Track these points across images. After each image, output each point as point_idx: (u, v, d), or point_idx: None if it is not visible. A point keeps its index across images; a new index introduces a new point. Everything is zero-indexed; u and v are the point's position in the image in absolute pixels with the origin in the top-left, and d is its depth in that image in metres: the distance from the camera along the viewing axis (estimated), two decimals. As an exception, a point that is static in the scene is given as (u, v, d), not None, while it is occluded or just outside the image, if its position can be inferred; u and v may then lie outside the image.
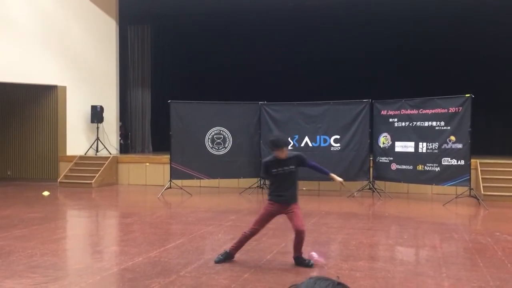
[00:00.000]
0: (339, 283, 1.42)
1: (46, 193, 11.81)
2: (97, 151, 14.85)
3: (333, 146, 11.68)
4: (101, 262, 5.77)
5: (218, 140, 12.07)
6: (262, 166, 5.70)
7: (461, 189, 10.36)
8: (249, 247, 6.30)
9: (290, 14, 15.42)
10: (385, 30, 15.33)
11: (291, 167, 5.37)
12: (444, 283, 4.90)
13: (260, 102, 12.23)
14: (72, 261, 6.08)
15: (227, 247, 5.75)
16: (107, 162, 13.80)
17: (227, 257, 5.58)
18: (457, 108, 10.33)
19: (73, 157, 14.36)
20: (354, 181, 11.57)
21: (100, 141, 14.95)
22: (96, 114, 14.80)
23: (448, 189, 10.88)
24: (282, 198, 5.43)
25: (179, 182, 11.85)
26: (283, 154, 5.35)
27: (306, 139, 11.83)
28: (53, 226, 8.00)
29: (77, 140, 14.83)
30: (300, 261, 5.47)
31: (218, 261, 5.52)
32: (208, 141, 12.02)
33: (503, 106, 15.10)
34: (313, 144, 11.81)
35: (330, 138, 11.70)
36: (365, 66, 15.87)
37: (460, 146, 10.26)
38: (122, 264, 5.53)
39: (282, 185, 5.41)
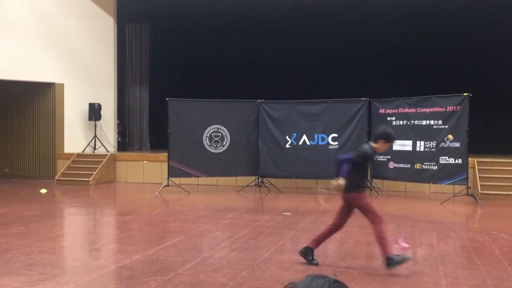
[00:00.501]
0: (335, 281, 1.42)
1: (43, 190, 11.79)
2: (94, 148, 14.82)
3: (331, 145, 11.68)
4: (98, 260, 5.77)
5: (216, 138, 12.07)
6: (361, 156, 5.27)
7: (459, 188, 10.38)
8: (247, 245, 6.31)
9: (289, 12, 15.39)
10: (384, 28, 15.31)
11: None
12: (442, 282, 4.91)
13: (258, 100, 12.22)
14: (69, 258, 6.07)
15: (393, 252, 5.24)
16: (104, 160, 13.78)
17: (398, 260, 5.16)
18: (455, 107, 10.34)
19: (71, 154, 14.34)
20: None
21: (98, 139, 14.93)
22: (94, 112, 14.77)
23: (445, 188, 10.90)
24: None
25: (177, 180, 11.84)
26: (386, 148, 5.52)
27: (304, 137, 11.82)
28: (51, 223, 7.99)
29: (74, 137, 14.81)
30: (308, 255, 5.42)
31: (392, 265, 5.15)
32: (206, 139, 12.01)
33: (501, 105, 15.10)
34: (311, 142, 11.82)
35: (328, 136, 11.70)
36: (364, 65, 15.86)
37: (457, 145, 10.27)
38: (119, 262, 5.53)
39: (366, 176, 5.69)
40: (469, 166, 10.55)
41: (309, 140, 11.81)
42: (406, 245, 5.44)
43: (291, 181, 12.29)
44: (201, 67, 17.34)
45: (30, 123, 15.01)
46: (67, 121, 14.79)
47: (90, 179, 13.22)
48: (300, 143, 11.85)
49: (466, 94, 10.16)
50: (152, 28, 17.21)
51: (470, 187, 10.36)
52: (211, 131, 12.03)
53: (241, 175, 12.35)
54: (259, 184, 12.13)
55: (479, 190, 10.71)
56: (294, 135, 11.91)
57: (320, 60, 16.11)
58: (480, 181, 10.99)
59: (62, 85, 14.69)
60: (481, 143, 12.64)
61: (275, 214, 8.71)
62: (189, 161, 11.86)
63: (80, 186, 12.95)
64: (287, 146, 11.94)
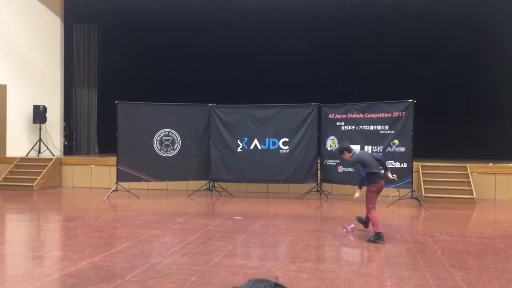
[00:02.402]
0: (276, 284, 1.43)
1: (-17, 196, 11.25)
2: (39, 152, 14.30)
3: (282, 149, 11.79)
4: (41, 267, 5.56)
5: (167, 142, 11.92)
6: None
7: (404, 191, 10.72)
8: (197, 250, 6.26)
9: (240, 14, 15.46)
10: (333, 33, 15.64)
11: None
12: (387, 283, 5.05)
13: (209, 104, 12.18)
14: (10, 267, 5.82)
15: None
16: (50, 164, 13.32)
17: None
18: (400, 113, 10.70)
19: (14, 158, 13.78)
20: (302, 184, 11.74)
21: (43, 142, 14.41)
22: (39, 114, 14.25)
23: (391, 191, 11.21)
24: None
25: (126, 184, 11.60)
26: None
27: (256, 141, 11.88)
28: (-9, 230, 7.63)
29: (18, 140, 14.23)
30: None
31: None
32: (156, 143, 11.84)
33: (443, 112, 15.76)
34: (262, 146, 11.89)
35: (279, 141, 11.81)
36: (314, 70, 16.14)
37: (403, 149, 10.63)
38: (64, 270, 5.35)
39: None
40: (414, 170, 10.94)
41: (260, 144, 11.88)
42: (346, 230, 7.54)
43: (242, 185, 12.32)
44: (151, 70, 17.13)
45: (-31, 125, 14.30)
46: (10, 123, 14.19)
47: (34, 184, 12.73)
48: (252, 147, 11.89)
49: (411, 100, 10.54)
50: (101, 29, 16.81)
51: (414, 190, 10.73)
52: (161, 135, 11.88)
53: (192, 179, 12.25)
54: (210, 188, 12.08)
55: (423, 193, 11.12)
56: (246, 139, 11.94)
57: (272, 64, 16.26)
58: (424, 185, 11.41)
59: (4, 86, 14.09)
60: (423, 147, 13.14)
61: (226, 219, 8.70)
62: (139, 165, 11.66)
63: (23, 191, 12.44)
64: (239, 150, 11.96)
